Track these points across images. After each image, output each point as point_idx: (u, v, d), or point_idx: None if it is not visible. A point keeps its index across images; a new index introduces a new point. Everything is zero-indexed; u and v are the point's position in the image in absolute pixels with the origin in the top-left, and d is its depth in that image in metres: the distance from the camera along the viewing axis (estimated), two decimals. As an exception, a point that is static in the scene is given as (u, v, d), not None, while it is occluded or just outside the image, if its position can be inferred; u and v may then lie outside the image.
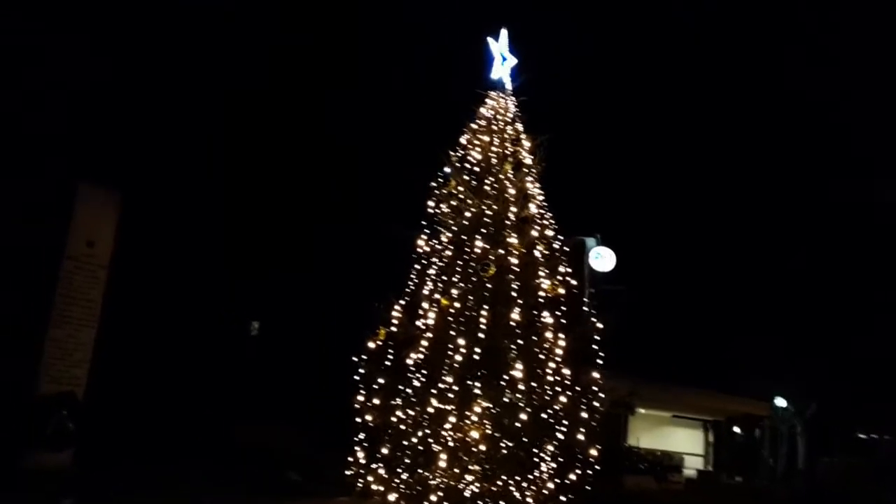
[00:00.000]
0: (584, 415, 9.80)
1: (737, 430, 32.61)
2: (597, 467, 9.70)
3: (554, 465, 9.40)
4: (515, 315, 9.77)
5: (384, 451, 9.60)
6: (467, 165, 11.04)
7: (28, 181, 9.80)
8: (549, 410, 9.50)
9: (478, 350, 9.49)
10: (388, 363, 10.07)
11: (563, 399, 9.63)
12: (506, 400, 9.34)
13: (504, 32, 11.92)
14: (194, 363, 15.15)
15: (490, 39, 11.84)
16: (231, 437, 14.69)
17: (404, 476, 9.42)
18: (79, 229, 10.14)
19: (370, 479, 9.60)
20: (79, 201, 10.08)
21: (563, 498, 9.42)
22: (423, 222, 10.83)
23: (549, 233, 10.84)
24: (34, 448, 9.42)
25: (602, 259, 20.04)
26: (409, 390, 9.72)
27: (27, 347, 9.43)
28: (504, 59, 11.89)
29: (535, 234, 10.64)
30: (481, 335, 9.61)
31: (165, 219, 12.49)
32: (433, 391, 9.44)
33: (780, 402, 30.33)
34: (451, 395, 9.29)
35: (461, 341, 9.53)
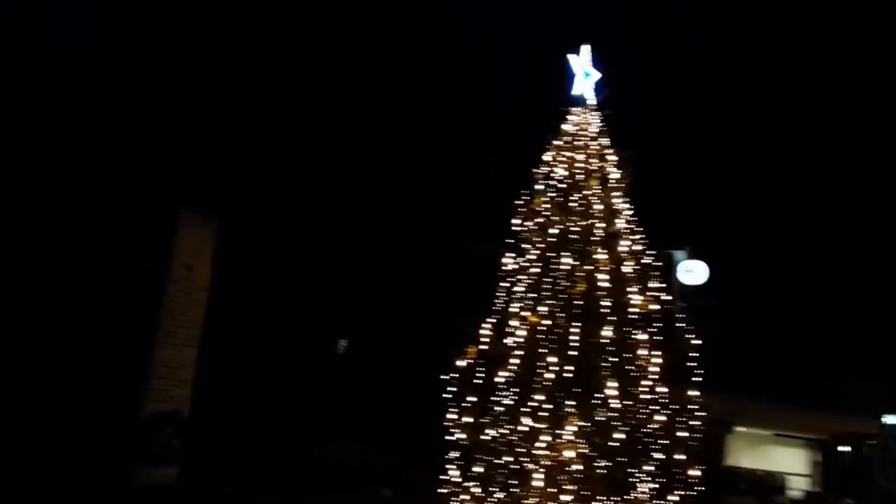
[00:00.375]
0: (683, 434, 9.50)
1: (844, 448, 30.87)
2: (699, 488, 9.37)
3: (654, 486, 9.14)
4: (607, 332, 9.60)
5: (478, 469, 9.57)
6: (552, 182, 10.98)
7: (134, 207, 10.34)
8: (645, 429, 9.27)
9: (569, 368, 9.37)
10: (478, 381, 10.06)
11: (659, 418, 9.37)
12: (600, 419, 9.18)
13: (586, 49, 11.85)
14: (286, 381, 15.58)
15: (571, 56, 11.78)
16: (322, 452, 14.99)
17: (499, 495, 9.36)
18: (180, 254, 10.64)
19: (464, 497, 9.59)
20: (180, 226, 10.58)
21: (663, 520, 9.15)
22: (510, 240, 10.82)
23: (639, 248, 10.62)
24: (144, 465, 9.87)
25: (693, 273, 19.47)
26: (499, 408, 9.67)
27: (136, 368, 9.93)
28: (587, 74, 11.80)
29: (623, 249, 10.45)
30: (573, 353, 9.49)
31: (258, 241, 12.94)
32: (525, 410, 9.36)
33: (891, 419, 28.56)
34: (543, 414, 9.20)
35: (552, 359, 9.43)
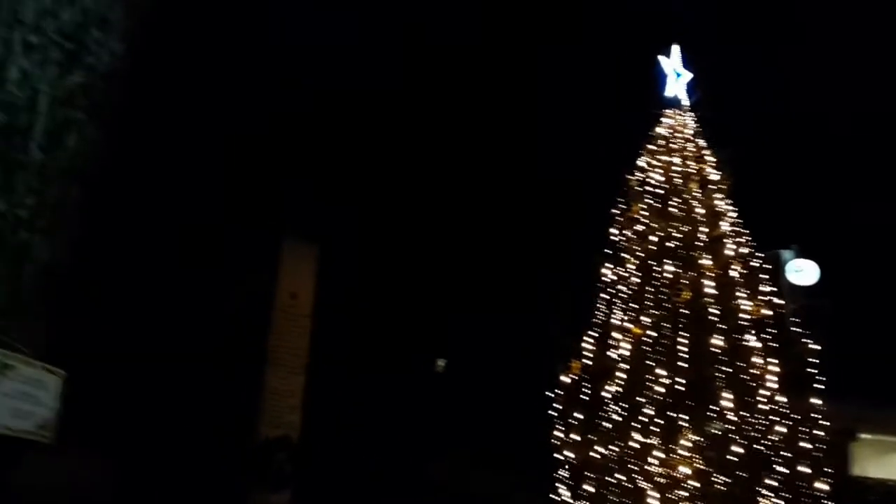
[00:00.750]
0: (806, 445, 8.95)
1: None
2: (828, 502, 8.79)
3: (777, 502, 8.64)
4: (717, 341, 9.19)
5: (589, 488, 9.32)
6: (649, 188, 10.67)
7: (240, 238, 10.70)
8: (765, 442, 8.79)
9: (680, 380, 9.02)
10: (584, 397, 9.83)
11: (780, 429, 8.87)
12: (715, 432, 8.77)
13: (676, 48, 11.52)
14: (391, 402, 15.72)
15: (661, 57, 11.48)
16: (430, 474, 15.00)
17: (612, 515, 9.08)
18: (284, 282, 10.96)
19: (576, 517, 9.35)
20: (283, 255, 10.91)
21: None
22: (608, 249, 10.57)
23: (745, 251, 10.15)
24: (259, 489, 10.17)
25: (803, 273, 18.44)
26: (608, 425, 9.41)
27: (249, 394, 10.25)
28: (678, 75, 11.46)
29: (729, 253, 10.02)
30: (682, 364, 9.13)
31: (356, 265, 13.14)
32: (635, 425, 9.06)
33: None
34: (654, 429, 8.87)
35: (661, 372, 9.11)
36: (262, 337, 10.74)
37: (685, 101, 11.45)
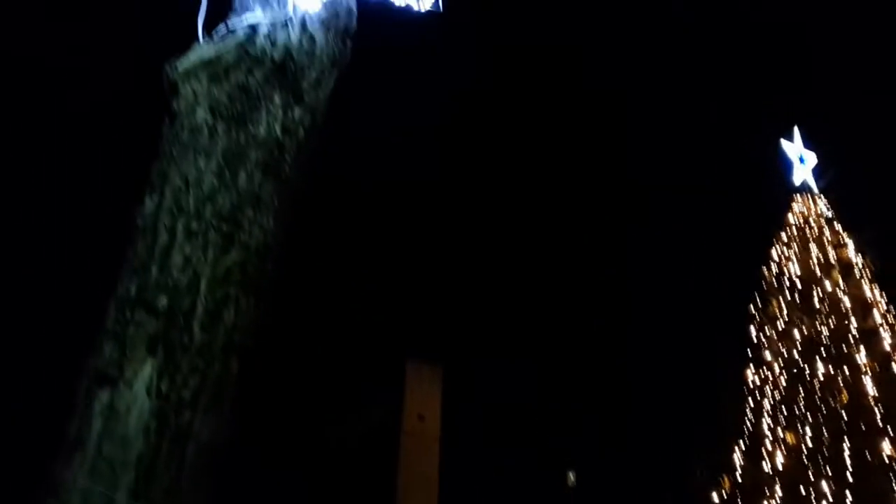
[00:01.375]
0: None
1: None
2: None
3: None
4: (887, 448, 8.26)
5: None
6: (786, 281, 10.06)
7: (366, 362, 10.82)
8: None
9: (848, 495, 8.10)
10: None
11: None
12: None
13: (797, 131, 11.08)
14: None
15: (784, 142, 11.04)
16: None
17: None
18: (411, 404, 10.91)
19: None
20: (408, 378, 10.91)
21: None
22: (748, 351, 9.91)
23: (905, 342, 9.25)
24: None
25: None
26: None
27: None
28: (803, 160, 10.97)
29: (887, 345, 9.15)
30: (849, 476, 8.23)
31: (481, 385, 12.95)
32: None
33: None
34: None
35: (824, 485, 8.23)
36: (391, 462, 10.62)
37: (814, 186, 10.90)
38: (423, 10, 3.29)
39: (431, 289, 9.83)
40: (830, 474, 8.25)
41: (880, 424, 8.45)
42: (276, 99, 2.73)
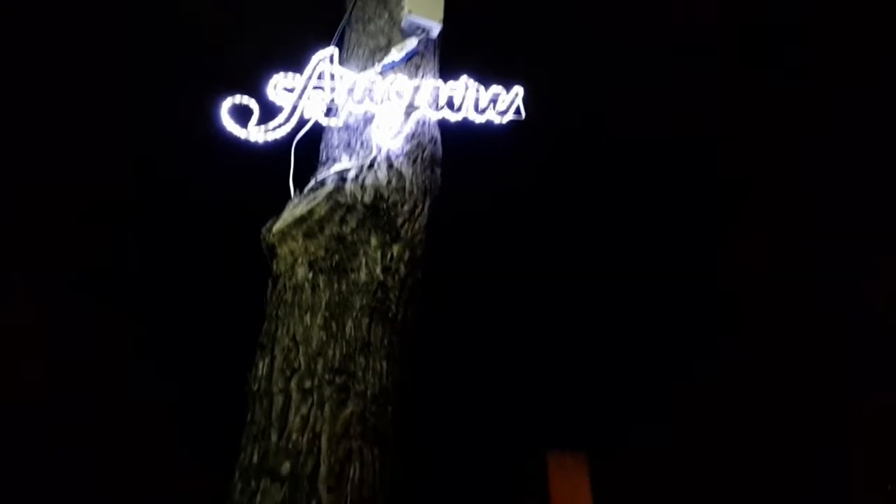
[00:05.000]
0: None
1: None
2: None
3: None
4: None
5: None
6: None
7: (503, 455, 10.52)
8: None
9: None
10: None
11: None
12: None
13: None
14: None
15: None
16: None
17: None
18: (559, 499, 10.43)
19: None
20: (550, 469, 10.49)
21: None
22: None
23: None
24: None
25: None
26: None
27: None
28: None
29: None
30: None
31: (633, 473, 12.25)
32: None
33: None
34: None
35: None
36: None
37: None
38: (504, 123, 3.28)
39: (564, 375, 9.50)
40: None
41: None
42: (373, 241, 2.75)
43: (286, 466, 2.31)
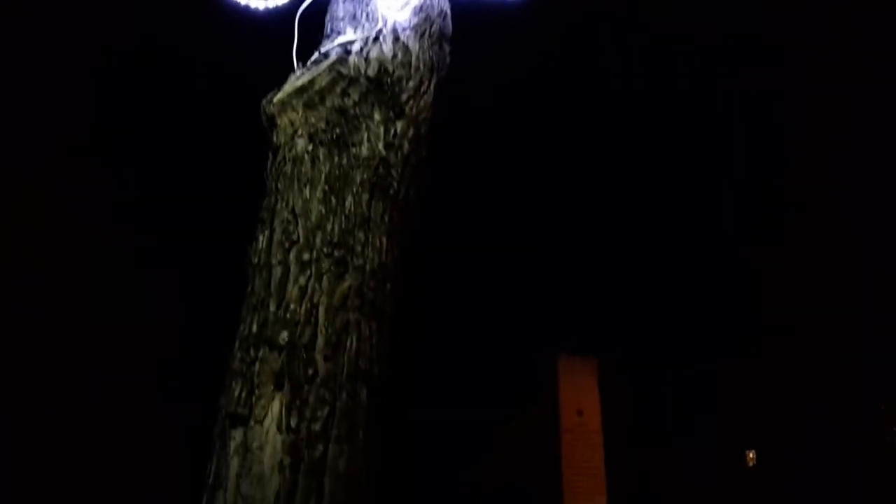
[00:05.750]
0: None
1: None
2: None
3: None
4: None
5: None
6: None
7: (515, 359, 10.70)
8: None
9: None
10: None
11: None
12: None
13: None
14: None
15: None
16: None
17: None
18: (568, 401, 10.68)
19: None
20: (561, 373, 10.69)
21: None
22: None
23: None
24: None
25: None
26: None
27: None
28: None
29: None
30: None
31: (640, 375, 12.44)
32: None
33: None
34: None
35: None
36: (554, 462, 10.44)
37: None
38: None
39: (580, 280, 9.52)
40: None
41: None
42: (376, 115, 2.67)
43: (284, 335, 2.32)
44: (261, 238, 2.51)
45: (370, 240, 2.49)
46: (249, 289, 2.50)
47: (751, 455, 18.99)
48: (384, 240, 2.54)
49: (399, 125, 2.70)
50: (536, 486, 10.59)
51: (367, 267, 2.47)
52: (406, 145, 2.69)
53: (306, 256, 2.40)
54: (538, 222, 7.10)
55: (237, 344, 2.41)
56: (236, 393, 2.33)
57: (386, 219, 2.57)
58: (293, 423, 2.26)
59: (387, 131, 2.64)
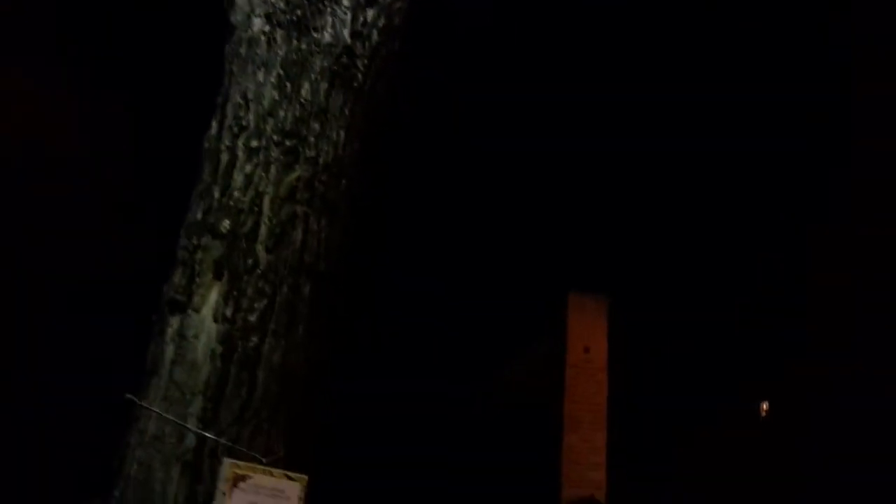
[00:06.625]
0: None
1: None
2: None
3: None
4: None
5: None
6: None
7: (522, 295, 10.64)
8: None
9: None
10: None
11: None
12: None
13: None
14: (704, 454, 14.34)
15: None
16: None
17: None
18: (575, 337, 10.64)
19: None
20: (570, 310, 10.63)
21: None
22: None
23: None
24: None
25: None
26: None
27: (548, 457, 10.02)
28: None
29: None
30: None
31: (651, 317, 12.32)
32: None
33: None
34: None
35: None
36: (557, 396, 10.48)
37: None
38: None
39: (592, 216, 9.30)
40: None
41: None
42: (344, 0, 2.51)
43: (226, 224, 2.24)
44: (214, 123, 2.40)
45: (325, 131, 2.37)
46: (201, 176, 2.41)
47: (764, 406, 18.94)
48: (342, 133, 2.41)
49: (370, 13, 2.53)
50: (539, 415, 10.71)
51: (321, 160, 2.35)
52: (375, 35, 2.53)
53: (255, 143, 2.29)
54: (557, 140, 6.74)
55: (182, 231, 2.34)
56: (177, 280, 2.27)
57: (346, 112, 2.43)
58: (228, 313, 2.20)
59: (355, 18, 2.48)
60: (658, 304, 11.17)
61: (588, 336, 10.92)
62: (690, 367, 14.45)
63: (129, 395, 2.22)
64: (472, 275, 9.60)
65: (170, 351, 2.21)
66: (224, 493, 2.07)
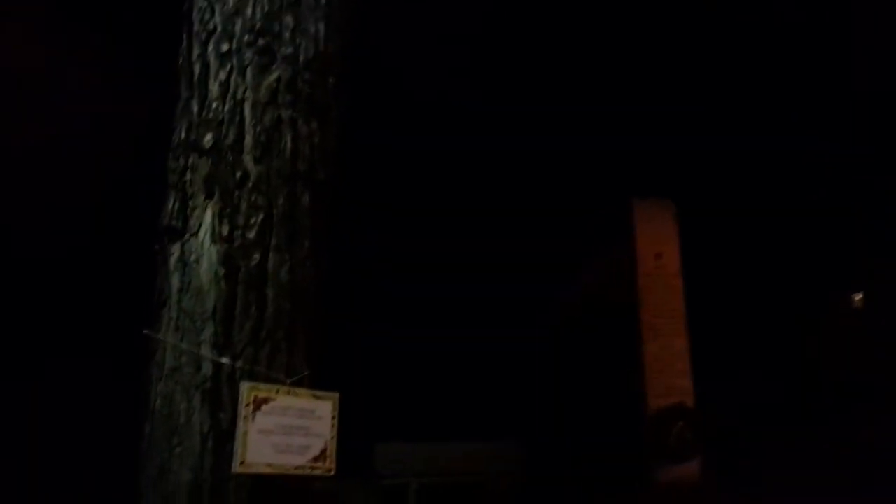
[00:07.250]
0: None
1: None
2: None
3: None
4: None
5: None
6: None
7: (588, 204, 10.27)
8: None
9: None
10: None
11: None
12: None
13: None
14: (783, 352, 13.82)
15: None
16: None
17: None
18: (644, 244, 10.25)
19: None
20: (637, 217, 10.21)
21: None
22: None
23: None
24: (659, 461, 9.62)
25: None
26: None
27: (631, 368, 9.81)
28: None
29: None
30: None
31: (718, 221, 11.74)
32: None
33: None
34: None
35: None
36: (632, 305, 10.20)
37: None
38: None
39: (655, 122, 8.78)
40: None
41: None
42: None
43: (209, 138, 2.09)
44: (184, 37, 2.23)
45: (302, 25, 2.17)
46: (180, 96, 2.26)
47: (857, 297, 18.07)
48: (321, 26, 2.21)
49: None
50: (615, 327, 10.47)
51: (301, 57, 2.16)
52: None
53: (225, 47, 2.11)
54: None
55: (169, 154, 2.21)
56: (171, 205, 2.15)
57: (322, 2, 2.22)
58: (225, 231, 2.07)
59: None
60: (722, 209, 10.62)
61: (659, 242, 10.48)
62: (760, 269, 13.83)
63: (146, 331, 2.14)
64: (527, 189, 9.29)
65: (175, 280, 2.11)
66: (246, 418, 1.98)
